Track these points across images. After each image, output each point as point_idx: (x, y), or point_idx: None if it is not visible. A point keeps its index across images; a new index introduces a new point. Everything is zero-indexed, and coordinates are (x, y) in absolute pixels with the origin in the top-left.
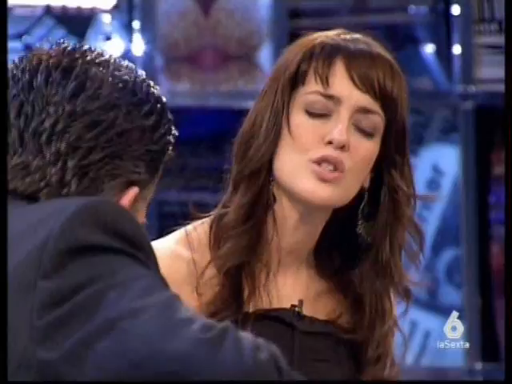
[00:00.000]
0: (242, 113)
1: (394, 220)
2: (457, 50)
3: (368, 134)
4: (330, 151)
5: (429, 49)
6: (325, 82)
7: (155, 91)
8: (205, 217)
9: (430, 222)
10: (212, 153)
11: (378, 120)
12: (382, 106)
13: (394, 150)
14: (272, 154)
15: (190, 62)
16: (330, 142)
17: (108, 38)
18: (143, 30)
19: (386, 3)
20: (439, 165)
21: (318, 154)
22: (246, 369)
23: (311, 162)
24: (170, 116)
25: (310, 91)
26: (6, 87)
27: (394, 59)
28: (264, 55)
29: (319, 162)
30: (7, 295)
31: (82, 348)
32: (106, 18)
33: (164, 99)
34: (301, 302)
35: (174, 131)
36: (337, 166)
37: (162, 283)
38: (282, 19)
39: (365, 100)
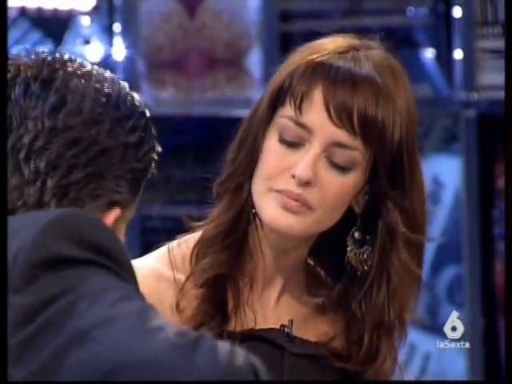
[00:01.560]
0: (229, 121)
1: (388, 260)
2: (458, 54)
3: (343, 169)
4: (291, 186)
5: (428, 53)
6: (297, 108)
7: (139, 105)
8: (198, 227)
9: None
10: (198, 164)
11: (355, 154)
12: (364, 140)
13: (387, 184)
14: (252, 173)
15: (175, 67)
16: (293, 176)
17: (87, 42)
18: (124, 33)
19: (382, 5)
20: (439, 177)
21: (279, 186)
22: (221, 374)
23: (273, 191)
24: (153, 131)
25: (284, 115)
26: (5, 88)
27: (399, 67)
28: (253, 60)
29: (281, 192)
30: (7, 296)
31: (54, 361)
32: (85, 21)
33: (148, 113)
34: (291, 322)
35: (158, 148)
36: (300, 202)
37: (137, 294)
38: (272, 21)
39: (341, 135)
